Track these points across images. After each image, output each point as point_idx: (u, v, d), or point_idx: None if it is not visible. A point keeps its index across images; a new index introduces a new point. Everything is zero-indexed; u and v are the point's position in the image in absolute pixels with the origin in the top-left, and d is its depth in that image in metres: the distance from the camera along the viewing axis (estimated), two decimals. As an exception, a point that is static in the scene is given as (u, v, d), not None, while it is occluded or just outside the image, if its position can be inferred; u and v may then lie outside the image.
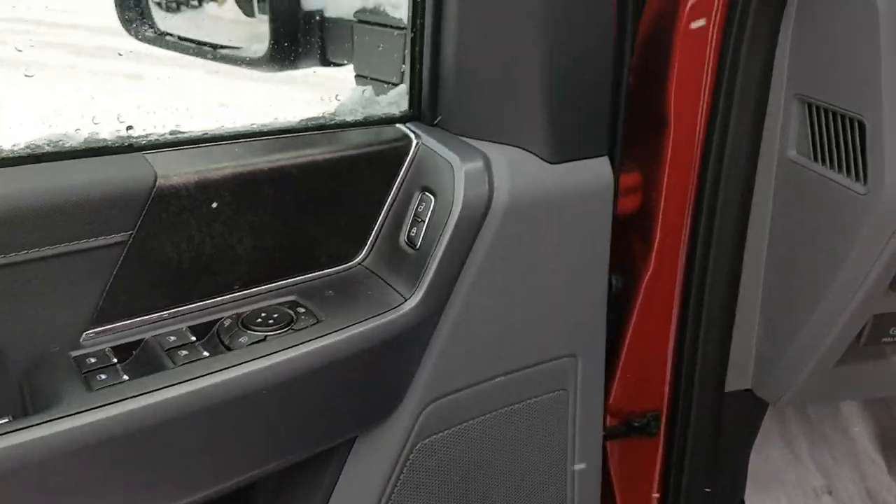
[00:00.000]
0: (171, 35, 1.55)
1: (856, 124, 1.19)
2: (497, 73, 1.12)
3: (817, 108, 1.26)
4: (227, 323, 0.99)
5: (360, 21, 1.35)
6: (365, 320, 1.02)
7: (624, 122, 1.46)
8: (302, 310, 1.02)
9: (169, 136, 1.02)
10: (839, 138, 1.23)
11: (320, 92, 1.27)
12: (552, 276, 1.19)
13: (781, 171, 1.35)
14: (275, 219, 1.04)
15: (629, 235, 1.52)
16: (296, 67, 1.43)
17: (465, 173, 1.07)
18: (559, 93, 1.12)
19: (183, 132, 1.04)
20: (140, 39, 1.56)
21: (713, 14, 1.30)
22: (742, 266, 1.41)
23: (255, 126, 1.09)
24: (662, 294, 1.47)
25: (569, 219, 1.16)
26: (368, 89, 1.20)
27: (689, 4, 1.33)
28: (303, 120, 1.13)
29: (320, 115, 1.15)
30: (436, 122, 1.16)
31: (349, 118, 1.16)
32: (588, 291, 1.23)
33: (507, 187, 1.10)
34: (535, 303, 1.19)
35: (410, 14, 1.15)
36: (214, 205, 0.98)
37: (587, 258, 1.21)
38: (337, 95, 1.17)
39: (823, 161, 1.26)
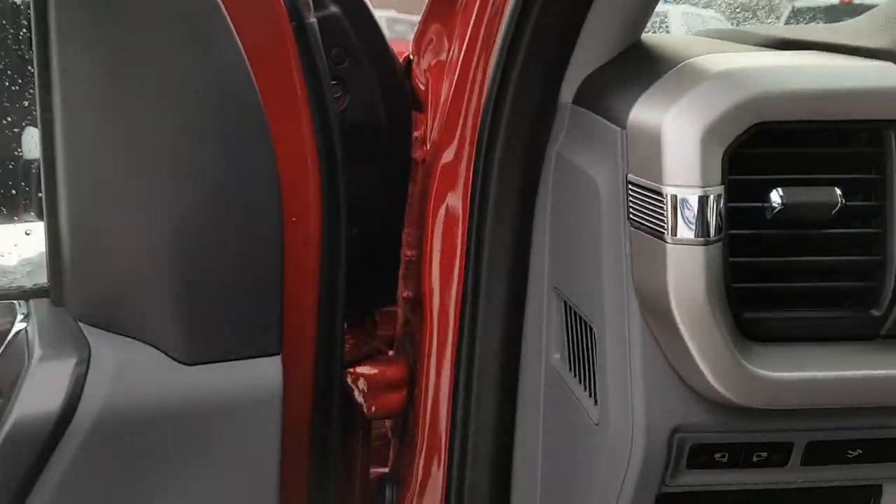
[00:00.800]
0: None
1: (592, 332, 0.95)
2: (116, 252, 0.91)
3: (567, 306, 1.02)
4: None
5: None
6: None
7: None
8: None
9: None
10: (583, 347, 0.98)
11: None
12: None
13: (548, 379, 1.10)
14: None
15: (405, 438, 1.28)
16: (11, 220, 1.26)
17: (34, 375, 0.84)
18: (198, 283, 0.91)
19: None
20: None
21: (461, 190, 1.09)
22: (510, 494, 1.14)
23: None
24: None
25: (212, 435, 0.93)
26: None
27: (437, 179, 1.13)
28: None
29: None
30: (63, 301, 0.95)
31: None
32: None
33: (104, 395, 0.87)
34: None
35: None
36: None
37: (243, 486, 0.96)
38: None
39: (575, 373, 1.01)
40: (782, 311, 0.83)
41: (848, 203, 0.81)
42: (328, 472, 1.09)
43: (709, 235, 0.78)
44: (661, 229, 0.80)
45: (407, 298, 1.30)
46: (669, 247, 0.79)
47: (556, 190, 1.03)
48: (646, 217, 0.82)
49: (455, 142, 1.11)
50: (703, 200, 0.78)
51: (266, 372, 0.94)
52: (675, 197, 0.79)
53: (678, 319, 0.79)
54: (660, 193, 0.80)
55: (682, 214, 0.79)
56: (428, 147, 1.19)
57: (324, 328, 1.05)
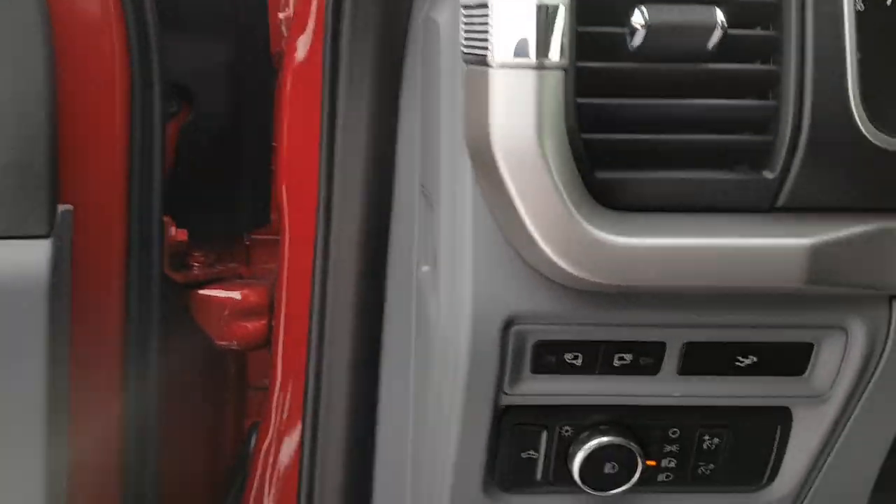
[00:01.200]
0: None
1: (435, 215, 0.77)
2: None
3: (430, 203, 0.84)
4: None
5: None
6: None
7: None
8: None
9: None
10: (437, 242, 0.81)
11: None
12: None
13: (419, 297, 0.92)
14: None
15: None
16: None
17: None
18: None
19: None
20: None
21: (314, 85, 0.92)
22: (375, 435, 0.96)
23: None
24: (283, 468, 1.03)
25: None
26: None
27: (289, 74, 0.97)
28: None
29: None
30: None
31: None
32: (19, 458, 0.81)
33: None
34: None
35: None
36: None
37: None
38: None
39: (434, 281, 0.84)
40: (647, 171, 0.65)
41: (734, 33, 0.64)
42: (147, 397, 0.92)
43: (545, 57, 0.61)
44: (486, 52, 0.62)
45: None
46: (493, 72, 0.61)
47: (425, 65, 0.86)
48: (475, 43, 0.65)
49: (310, 26, 0.95)
50: (540, 12, 0.61)
51: (26, 256, 0.78)
52: (503, 7, 0.61)
53: (502, 168, 0.62)
54: (487, 6, 0.62)
55: (511, 30, 0.61)
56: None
57: (136, 224, 0.89)
